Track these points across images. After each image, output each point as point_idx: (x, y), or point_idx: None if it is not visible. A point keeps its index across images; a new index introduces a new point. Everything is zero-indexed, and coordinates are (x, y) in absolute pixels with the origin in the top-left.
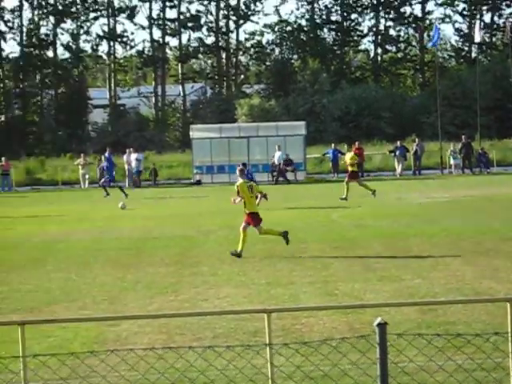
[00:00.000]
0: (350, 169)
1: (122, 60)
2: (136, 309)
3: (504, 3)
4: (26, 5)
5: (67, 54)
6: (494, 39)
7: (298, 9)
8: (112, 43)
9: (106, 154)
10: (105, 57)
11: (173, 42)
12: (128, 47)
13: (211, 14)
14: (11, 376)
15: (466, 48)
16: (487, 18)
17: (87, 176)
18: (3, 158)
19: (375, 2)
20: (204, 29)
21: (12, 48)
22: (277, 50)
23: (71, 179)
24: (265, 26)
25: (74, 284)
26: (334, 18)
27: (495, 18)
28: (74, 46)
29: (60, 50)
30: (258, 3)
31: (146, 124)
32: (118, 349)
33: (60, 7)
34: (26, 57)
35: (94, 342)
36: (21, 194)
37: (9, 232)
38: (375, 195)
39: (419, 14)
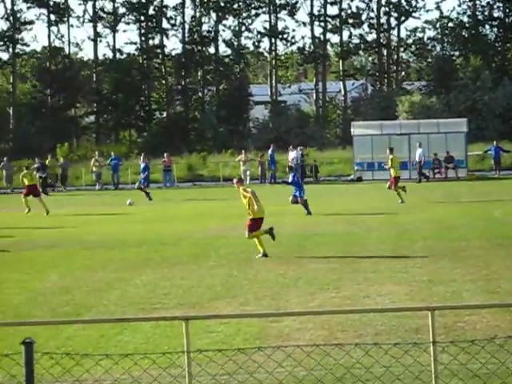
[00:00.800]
0: None
1: (282, 57)
2: (297, 305)
3: None
4: (188, 2)
5: (229, 51)
6: None
7: (459, 5)
8: (273, 40)
9: (270, 151)
10: (266, 53)
11: (334, 38)
12: (289, 44)
13: (372, 10)
14: (178, 371)
15: None
16: None
17: (248, 172)
18: (165, 154)
19: None
20: (365, 25)
21: (174, 45)
22: (438, 47)
23: (232, 175)
24: (426, 22)
25: (236, 280)
26: (496, 14)
27: None
28: (235, 43)
29: (222, 47)
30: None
31: (307, 120)
32: (284, 345)
33: (222, 4)
34: (187, 53)
35: (256, 338)
36: (182, 189)
37: (170, 228)
38: None
39: None
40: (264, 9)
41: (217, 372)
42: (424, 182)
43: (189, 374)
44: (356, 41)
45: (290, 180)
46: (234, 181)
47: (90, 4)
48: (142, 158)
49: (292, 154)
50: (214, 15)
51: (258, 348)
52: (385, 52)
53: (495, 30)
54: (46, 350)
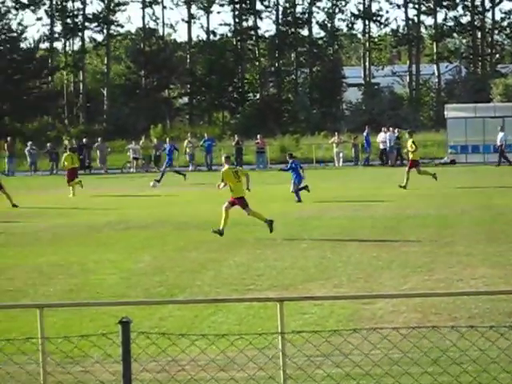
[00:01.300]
0: None
1: (376, 39)
2: (390, 288)
3: None
4: None
5: (322, 33)
6: None
7: None
8: (367, 22)
9: (365, 134)
10: (360, 35)
11: (428, 20)
12: (382, 26)
13: None
14: (273, 352)
15: None
16: None
17: (342, 154)
18: (258, 136)
19: None
20: (459, 7)
21: (268, 26)
22: None
23: (325, 157)
24: None
25: (330, 262)
26: None
27: None
28: (329, 25)
29: (315, 29)
30: None
31: (400, 103)
32: (379, 327)
33: None
34: (281, 35)
35: (349, 320)
36: (275, 171)
37: (263, 209)
38: None
39: None
40: None
41: (312, 353)
42: (505, 165)
43: (283, 355)
44: (450, 23)
45: (287, 167)
46: (223, 158)
47: None
48: (167, 140)
49: (382, 136)
50: None
51: (353, 330)
52: (479, 34)
53: None
54: (141, 330)
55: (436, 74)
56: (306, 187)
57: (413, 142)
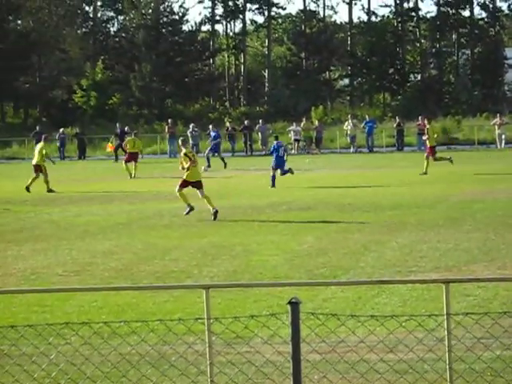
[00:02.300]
0: None
1: None
2: None
3: None
4: None
5: (483, 14)
6: None
7: None
8: None
9: None
10: None
11: None
12: None
13: None
14: (442, 333)
15: None
16: None
17: (503, 136)
18: (420, 117)
19: None
20: None
21: (429, 7)
22: None
23: (487, 139)
24: None
25: (493, 243)
26: None
27: None
28: (490, 6)
29: (476, 10)
30: None
31: None
32: None
33: None
34: (442, 16)
35: None
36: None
37: (426, 191)
38: None
39: None
40: None
41: (481, 335)
42: None
43: (449, 336)
44: None
45: (270, 151)
46: (179, 142)
47: None
48: (211, 127)
49: None
50: None
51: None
52: None
53: None
54: (307, 311)
55: None
56: (289, 170)
57: (427, 129)
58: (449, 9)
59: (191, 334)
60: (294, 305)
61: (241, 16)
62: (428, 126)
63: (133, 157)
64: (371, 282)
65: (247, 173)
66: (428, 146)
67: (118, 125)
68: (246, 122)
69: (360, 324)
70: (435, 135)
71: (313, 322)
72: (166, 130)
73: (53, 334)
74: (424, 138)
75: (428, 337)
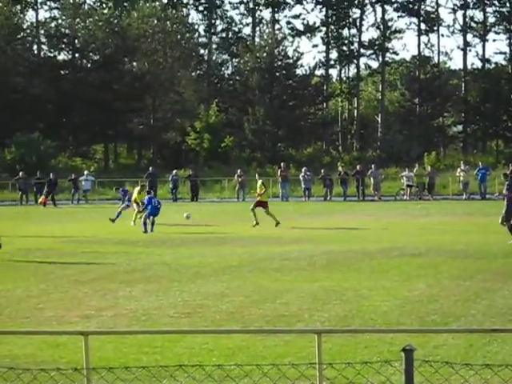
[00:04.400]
0: None
1: None
2: None
3: None
4: None
5: None
6: None
7: None
8: None
9: None
10: None
11: None
12: None
13: None
14: None
15: None
16: None
17: None
18: None
19: None
20: None
21: None
22: None
23: None
24: None
25: None
26: None
27: None
28: None
29: None
30: None
31: None
32: None
33: None
34: None
35: None
36: None
37: None
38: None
39: None
40: None
41: None
42: None
43: None
44: None
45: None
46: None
47: (460, 13)
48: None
49: None
50: None
51: None
52: None
53: None
54: (416, 358)
55: None
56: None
57: None
58: None
59: (303, 379)
60: (409, 352)
61: (355, 61)
62: None
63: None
64: (483, 330)
65: (359, 217)
66: None
67: (51, 174)
68: (358, 167)
69: (473, 372)
70: None
71: (425, 369)
72: (279, 173)
73: (165, 375)
74: None
75: None
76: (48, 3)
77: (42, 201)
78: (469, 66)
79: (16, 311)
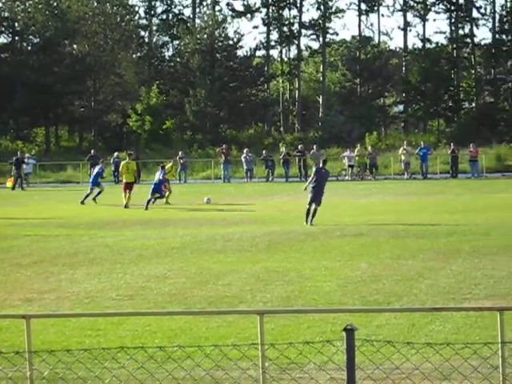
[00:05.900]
0: None
1: None
2: None
3: None
4: None
5: None
6: None
7: None
8: None
9: None
10: None
11: None
12: None
13: None
14: (498, 361)
15: None
16: None
17: None
18: (471, 145)
19: None
20: None
21: (484, 34)
22: None
23: None
24: None
25: None
26: None
27: None
28: None
29: None
30: None
31: None
32: None
33: None
34: (498, 43)
35: None
36: (491, 180)
37: (480, 218)
38: None
39: None
40: None
41: None
42: None
43: (503, 364)
44: None
45: None
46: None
47: None
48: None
49: None
50: None
51: None
52: None
53: None
54: (358, 337)
55: None
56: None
57: None
58: (504, 36)
59: (245, 360)
60: (350, 331)
61: (296, 42)
62: None
63: (128, 186)
64: (425, 309)
65: (301, 198)
66: None
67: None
68: (299, 148)
69: (415, 351)
70: None
71: (367, 348)
72: (221, 154)
73: (108, 357)
74: None
75: (483, 365)
76: None
77: None
78: (409, 46)
79: None
